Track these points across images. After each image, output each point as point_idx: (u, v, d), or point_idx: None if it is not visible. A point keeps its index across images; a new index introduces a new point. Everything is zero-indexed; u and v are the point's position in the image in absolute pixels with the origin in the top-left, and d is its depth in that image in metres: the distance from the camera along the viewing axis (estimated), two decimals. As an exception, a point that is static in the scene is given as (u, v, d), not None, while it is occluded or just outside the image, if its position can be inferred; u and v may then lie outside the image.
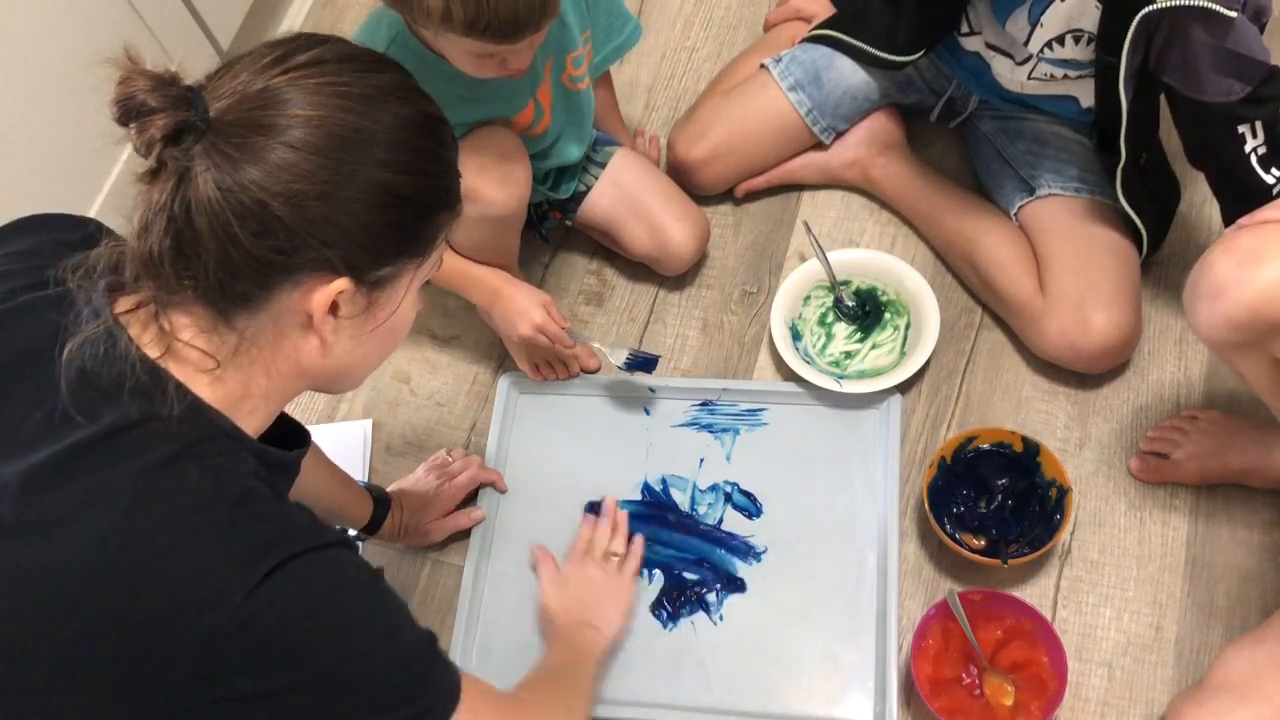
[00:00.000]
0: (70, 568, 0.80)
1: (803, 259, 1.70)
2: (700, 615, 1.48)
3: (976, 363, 1.62)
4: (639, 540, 1.51)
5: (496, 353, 1.71)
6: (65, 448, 0.82)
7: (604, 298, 1.74)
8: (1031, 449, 1.45)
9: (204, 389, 0.87)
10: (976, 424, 1.56)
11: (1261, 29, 1.29)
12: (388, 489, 1.53)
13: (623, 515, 1.53)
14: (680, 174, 1.72)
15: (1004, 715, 1.35)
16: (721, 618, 1.48)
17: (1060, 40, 1.42)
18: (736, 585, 1.49)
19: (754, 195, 1.77)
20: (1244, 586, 1.44)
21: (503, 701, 1.06)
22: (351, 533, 1.47)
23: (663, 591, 1.50)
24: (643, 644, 1.48)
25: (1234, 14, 1.22)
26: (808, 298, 1.66)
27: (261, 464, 0.89)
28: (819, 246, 1.63)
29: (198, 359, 0.86)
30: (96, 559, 0.80)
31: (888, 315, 1.64)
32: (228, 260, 0.83)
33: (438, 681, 0.93)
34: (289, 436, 1.00)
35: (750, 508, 1.54)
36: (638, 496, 1.57)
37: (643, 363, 1.56)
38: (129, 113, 0.81)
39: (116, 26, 1.63)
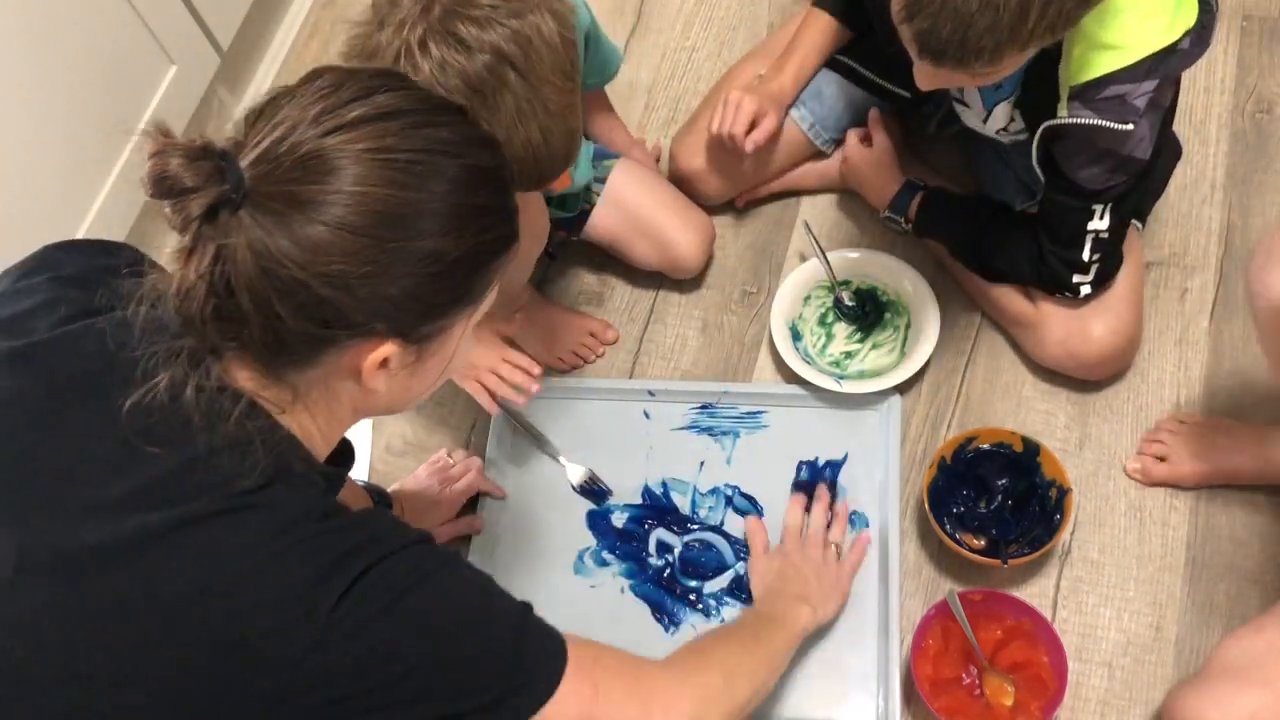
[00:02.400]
0: (168, 593, 0.81)
1: (803, 259, 1.70)
2: (701, 618, 1.48)
3: (976, 363, 1.62)
4: (866, 535, 1.48)
5: (497, 353, 1.71)
6: (154, 476, 0.83)
7: (604, 298, 1.74)
8: (1031, 449, 1.45)
9: (279, 418, 0.88)
10: (976, 424, 1.56)
11: (1172, 107, 1.36)
12: (388, 489, 1.53)
13: (844, 505, 1.50)
14: (682, 184, 1.72)
15: (1004, 715, 1.35)
16: (723, 620, 1.48)
17: (1006, 129, 1.46)
18: (738, 588, 1.49)
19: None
20: (1244, 587, 1.44)
21: (630, 664, 1.04)
22: None
23: (664, 593, 1.50)
24: (644, 648, 1.45)
25: (1129, 126, 1.27)
26: (808, 298, 1.66)
27: (328, 484, 0.92)
28: (819, 246, 1.63)
29: (264, 403, 0.87)
30: (194, 582, 0.81)
31: (888, 315, 1.64)
32: (271, 330, 0.82)
33: (531, 659, 0.93)
34: (338, 452, 1.01)
35: (751, 510, 1.54)
36: (638, 500, 1.56)
37: (596, 493, 1.56)
38: (165, 191, 0.79)
39: (116, 26, 1.63)
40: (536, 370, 1.46)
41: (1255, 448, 1.45)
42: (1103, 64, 1.24)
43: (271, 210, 0.79)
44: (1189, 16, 1.24)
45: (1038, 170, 1.40)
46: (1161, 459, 1.50)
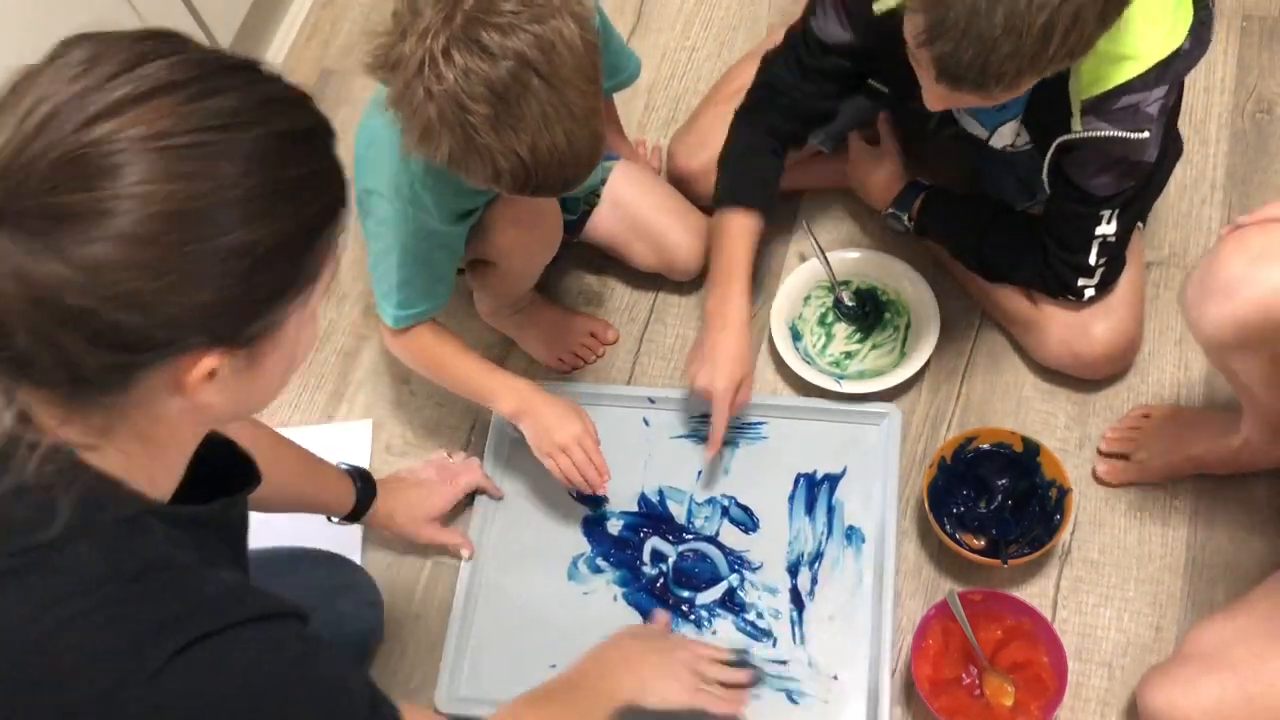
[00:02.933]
0: None
1: (803, 259, 1.70)
2: (692, 629, 1.47)
3: (976, 363, 1.62)
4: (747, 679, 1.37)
5: (496, 354, 1.70)
6: None
7: (604, 298, 1.74)
8: (1031, 449, 1.45)
9: (89, 457, 0.75)
10: (976, 424, 1.56)
11: (1176, 108, 1.37)
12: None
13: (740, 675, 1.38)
14: (681, 184, 1.71)
15: (1004, 715, 1.35)
16: (714, 633, 1.47)
17: (1013, 144, 1.46)
18: (730, 600, 1.49)
19: (754, 196, 1.77)
20: (1243, 586, 1.43)
21: None
22: (334, 519, 1.44)
23: (657, 602, 1.50)
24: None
25: (1145, 134, 1.27)
26: (808, 298, 1.66)
27: (173, 527, 0.78)
28: (819, 246, 1.63)
29: (69, 443, 0.74)
30: None
31: (888, 315, 1.64)
32: (63, 366, 0.69)
33: None
34: (235, 473, 0.92)
35: (747, 522, 1.53)
36: (634, 507, 1.56)
37: (592, 499, 1.55)
38: None
39: (116, 26, 1.63)
40: (606, 475, 1.46)
41: (1219, 437, 1.44)
42: (1115, 75, 1.24)
43: (33, 230, 0.65)
44: (1186, 17, 1.24)
45: (1045, 181, 1.39)
46: (1125, 456, 1.50)
